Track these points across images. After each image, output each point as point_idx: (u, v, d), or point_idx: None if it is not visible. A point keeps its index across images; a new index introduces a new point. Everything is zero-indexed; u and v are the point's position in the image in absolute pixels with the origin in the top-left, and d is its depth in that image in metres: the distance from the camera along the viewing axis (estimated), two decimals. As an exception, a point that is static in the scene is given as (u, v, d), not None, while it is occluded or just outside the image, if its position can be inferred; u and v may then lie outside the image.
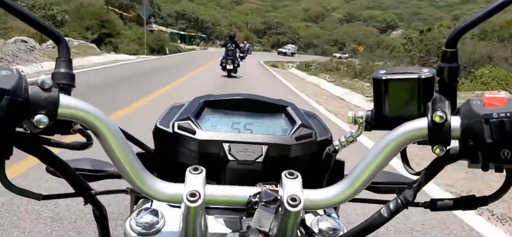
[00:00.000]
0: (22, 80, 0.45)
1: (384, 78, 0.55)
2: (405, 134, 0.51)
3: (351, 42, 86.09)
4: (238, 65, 13.74)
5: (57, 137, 0.51)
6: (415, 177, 0.55)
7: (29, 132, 0.48)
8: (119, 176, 0.65)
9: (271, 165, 0.60)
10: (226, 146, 0.61)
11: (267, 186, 0.53)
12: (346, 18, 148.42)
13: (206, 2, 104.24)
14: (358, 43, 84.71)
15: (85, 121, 0.49)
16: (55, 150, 0.52)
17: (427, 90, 0.54)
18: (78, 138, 0.53)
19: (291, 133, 0.63)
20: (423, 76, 0.54)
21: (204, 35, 63.52)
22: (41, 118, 0.45)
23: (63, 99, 0.47)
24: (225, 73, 13.47)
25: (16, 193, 0.52)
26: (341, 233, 0.59)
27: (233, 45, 13.55)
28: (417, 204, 0.57)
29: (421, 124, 0.50)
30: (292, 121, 0.65)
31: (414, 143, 0.52)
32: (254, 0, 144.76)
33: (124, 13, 37.12)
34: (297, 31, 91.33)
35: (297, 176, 0.53)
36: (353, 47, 76.77)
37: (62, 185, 0.57)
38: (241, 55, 15.95)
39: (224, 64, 13.48)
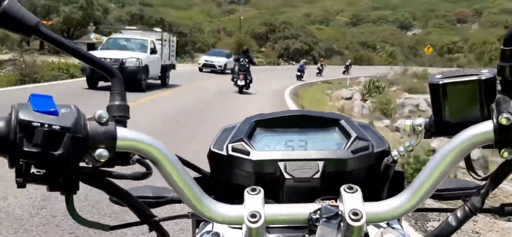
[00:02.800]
0: (81, 116, 0.48)
1: (441, 82, 0.55)
2: (470, 139, 0.50)
3: (382, 44, 66.30)
4: (251, 81, 13.74)
5: (117, 168, 0.55)
6: (481, 183, 0.55)
7: (91, 166, 0.52)
8: (179, 201, 0.66)
9: (329, 181, 0.62)
10: (281, 164, 0.63)
11: (327, 201, 0.55)
12: (352, 21, 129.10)
13: (191, 14, 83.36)
14: (390, 44, 64.72)
15: (143, 151, 0.52)
16: (117, 180, 0.56)
17: (489, 92, 0.53)
18: (138, 167, 0.58)
19: (346, 147, 0.64)
20: (483, 77, 0.53)
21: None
22: (102, 152, 0.48)
23: (120, 132, 0.51)
24: (237, 89, 13.50)
25: (86, 225, 0.55)
26: None
27: (246, 60, 13.53)
28: (487, 210, 0.57)
29: (486, 127, 0.50)
30: (346, 134, 0.66)
31: (479, 147, 0.52)
32: (249, 8, 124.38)
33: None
34: (313, 34, 69.43)
35: (357, 189, 0.54)
36: (389, 49, 56.39)
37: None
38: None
39: (235, 80, 13.52)
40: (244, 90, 13.54)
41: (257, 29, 64.42)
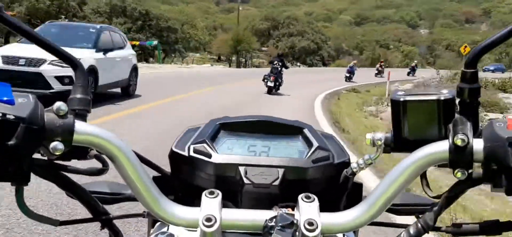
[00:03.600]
0: (38, 107, 0.48)
1: (402, 99, 0.56)
2: (426, 157, 0.52)
3: (395, 43, 59.69)
4: (280, 84, 14.54)
5: (73, 163, 0.55)
6: (436, 200, 0.57)
7: (46, 158, 0.51)
8: (136, 199, 0.67)
9: (288, 188, 0.62)
10: (242, 169, 0.63)
11: (284, 209, 0.56)
12: (356, 20, 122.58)
13: (183, 8, 74.86)
14: (404, 43, 58.18)
15: (100, 146, 0.52)
16: (73, 175, 0.56)
17: (447, 112, 0.54)
18: (94, 163, 0.57)
19: (308, 156, 0.65)
20: (442, 97, 0.54)
21: (154, 42, 31.41)
22: (57, 145, 0.48)
23: (78, 125, 0.50)
24: (266, 90, 14.25)
25: (34, 219, 0.55)
26: None
27: (280, 63, 14.40)
28: (438, 229, 0.58)
29: (442, 147, 0.51)
30: (309, 143, 0.67)
31: (435, 166, 0.53)
32: (249, 7, 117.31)
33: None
34: (321, 31, 61.06)
35: (314, 199, 0.55)
36: (405, 49, 49.83)
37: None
38: None
39: (266, 81, 14.18)
40: (273, 91, 14.12)
41: (258, 24, 57.11)
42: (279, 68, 14.31)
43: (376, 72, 31.17)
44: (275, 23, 55.58)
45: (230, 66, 41.55)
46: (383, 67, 31.81)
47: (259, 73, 15.55)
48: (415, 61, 35.82)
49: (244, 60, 43.31)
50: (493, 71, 39.05)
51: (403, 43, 62.31)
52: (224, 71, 23.44)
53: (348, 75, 25.20)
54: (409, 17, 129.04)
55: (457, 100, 0.53)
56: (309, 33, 54.66)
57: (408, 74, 30.81)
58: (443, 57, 46.34)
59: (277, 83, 14.22)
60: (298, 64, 48.29)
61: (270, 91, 14.04)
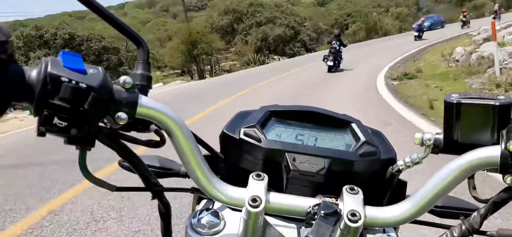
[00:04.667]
0: (107, 79, 0.51)
1: (456, 101, 0.56)
2: (476, 161, 0.52)
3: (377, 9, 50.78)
4: (340, 62, 15.54)
5: (133, 134, 0.58)
6: (482, 205, 0.57)
7: (109, 127, 0.55)
8: (184, 176, 0.71)
9: (333, 179, 0.64)
10: (289, 155, 0.66)
11: (327, 198, 0.57)
12: (319, 1, 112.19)
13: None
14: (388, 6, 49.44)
15: (160, 121, 0.55)
16: (131, 146, 0.59)
17: (502, 118, 0.54)
18: (153, 136, 0.60)
19: (354, 149, 0.67)
20: (498, 103, 0.54)
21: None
22: (121, 115, 0.51)
23: (142, 99, 0.53)
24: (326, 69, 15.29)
25: (93, 182, 0.58)
26: None
27: (338, 43, 15.24)
28: (484, 233, 0.59)
29: (493, 152, 0.51)
30: (356, 137, 0.69)
31: (483, 170, 0.53)
32: (199, 13, 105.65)
33: None
34: (295, 12, 50.66)
35: (358, 191, 0.57)
36: (394, 11, 40.44)
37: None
38: None
39: (325, 61, 15.17)
40: (332, 70, 15.07)
41: (218, 21, 46.18)
42: (337, 47, 15.23)
43: (462, 23, 28.81)
44: (237, 15, 45.21)
45: (192, 78, 29.77)
46: (467, 17, 29.34)
47: (235, 88, 12.56)
48: (497, 4, 30.81)
49: (208, 66, 31.72)
50: (430, 28, 32.83)
51: (389, 7, 52.89)
52: (168, 93, 15.74)
53: (416, 34, 25.06)
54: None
55: None
56: (280, 18, 44.58)
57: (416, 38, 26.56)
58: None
59: (336, 62, 15.27)
60: (275, 56, 37.11)
61: (330, 70, 15.10)
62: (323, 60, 15.23)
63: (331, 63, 14.98)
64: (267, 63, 27.81)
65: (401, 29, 43.84)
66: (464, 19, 29.37)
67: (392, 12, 50.01)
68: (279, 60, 36.49)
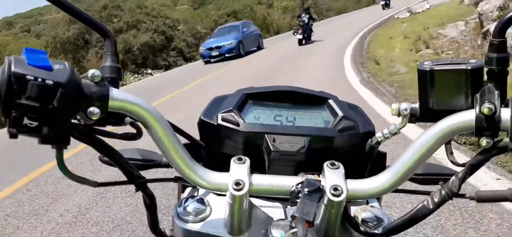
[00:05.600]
0: (74, 74, 0.49)
1: (429, 69, 0.57)
2: (452, 126, 0.53)
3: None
4: (309, 35, 16.29)
5: (108, 129, 0.57)
6: (459, 169, 0.59)
7: (83, 123, 0.53)
8: (167, 166, 0.71)
9: (314, 156, 0.65)
10: (269, 137, 0.66)
11: (310, 176, 0.58)
12: (194, 6, 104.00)
13: None
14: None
15: (134, 113, 0.54)
16: (108, 141, 0.57)
17: (475, 81, 0.55)
18: (129, 129, 0.59)
19: (333, 125, 0.68)
20: (470, 67, 0.55)
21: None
22: (94, 110, 0.50)
23: (113, 92, 0.52)
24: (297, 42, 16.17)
25: (74, 180, 0.56)
26: (384, 224, 0.62)
27: (307, 16, 16.05)
28: (462, 196, 0.61)
29: (468, 116, 0.52)
30: (334, 113, 0.70)
31: (459, 134, 0.55)
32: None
33: None
34: (165, 13, 39.85)
35: (339, 166, 0.58)
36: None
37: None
38: None
39: (295, 34, 16.00)
40: (303, 43, 15.79)
41: (63, 34, 33.86)
42: (306, 21, 15.96)
43: (383, 3, 27.90)
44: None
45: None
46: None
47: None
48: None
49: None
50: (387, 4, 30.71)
51: (273, 1, 46.82)
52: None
53: (383, 2, 26.27)
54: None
55: (485, 69, 0.54)
56: (146, 22, 34.13)
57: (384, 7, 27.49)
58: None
59: (306, 34, 15.98)
60: (147, 71, 26.99)
61: (300, 43, 15.84)
62: (293, 33, 16.20)
63: (300, 36, 15.76)
64: (129, 82, 21.60)
65: (291, 26, 37.66)
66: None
67: (277, 6, 43.79)
68: (152, 75, 26.39)
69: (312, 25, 16.59)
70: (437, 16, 15.21)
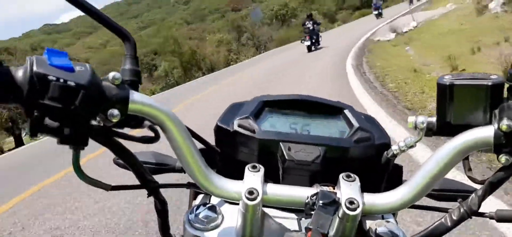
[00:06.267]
0: (96, 76, 0.49)
1: (449, 83, 0.56)
2: (470, 142, 0.52)
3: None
4: (317, 40, 16.56)
5: (126, 131, 0.57)
6: (478, 186, 0.57)
7: (102, 125, 0.53)
8: (180, 171, 0.70)
9: (329, 167, 0.65)
10: (284, 145, 0.65)
11: (325, 187, 0.57)
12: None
13: None
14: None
15: (153, 116, 0.54)
16: (125, 143, 0.57)
17: (495, 97, 0.54)
18: (147, 132, 0.59)
19: (349, 135, 0.68)
20: (491, 83, 0.54)
21: None
22: (113, 112, 0.50)
23: (133, 95, 0.52)
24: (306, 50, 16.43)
25: (88, 182, 0.56)
26: None
27: (311, 22, 16.13)
28: (482, 214, 0.60)
29: (487, 132, 0.52)
30: (349, 124, 0.70)
31: (478, 151, 0.54)
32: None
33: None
34: None
35: (355, 179, 0.57)
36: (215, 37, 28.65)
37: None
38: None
39: (303, 42, 16.46)
40: (312, 48, 16.12)
41: None
42: (311, 27, 16.10)
43: (376, 13, 27.53)
44: None
45: None
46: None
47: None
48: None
49: None
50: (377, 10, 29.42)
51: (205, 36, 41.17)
52: None
53: (376, 12, 26.36)
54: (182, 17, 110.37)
55: (506, 86, 0.54)
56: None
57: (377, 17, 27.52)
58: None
59: (313, 40, 16.21)
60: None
61: (309, 49, 16.10)
62: (301, 42, 16.89)
63: (308, 43, 16.09)
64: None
65: (228, 61, 31.59)
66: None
67: (211, 40, 37.81)
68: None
69: (319, 30, 16.96)
70: (449, 34, 11.97)
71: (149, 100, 0.53)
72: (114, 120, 0.50)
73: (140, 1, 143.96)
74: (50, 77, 0.45)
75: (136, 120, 0.56)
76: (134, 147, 0.58)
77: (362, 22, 29.54)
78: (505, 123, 0.49)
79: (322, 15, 43.70)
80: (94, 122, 0.52)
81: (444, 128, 0.57)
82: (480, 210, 0.56)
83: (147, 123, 0.57)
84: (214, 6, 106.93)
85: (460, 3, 18.91)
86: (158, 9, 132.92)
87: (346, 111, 0.71)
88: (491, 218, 0.59)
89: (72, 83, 0.46)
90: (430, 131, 0.59)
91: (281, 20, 46.62)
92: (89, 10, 0.55)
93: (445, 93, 0.56)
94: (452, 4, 20.03)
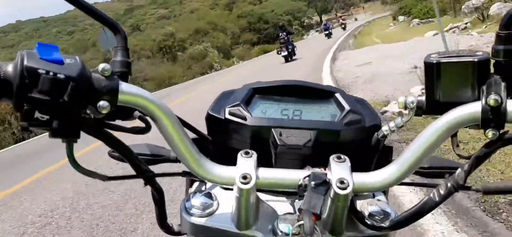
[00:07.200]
0: (85, 68, 0.50)
1: (435, 61, 0.57)
2: (458, 118, 0.53)
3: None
4: (293, 50, 16.91)
5: (118, 123, 0.57)
6: (465, 161, 0.59)
7: (93, 117, 0.53)
8: (175, 161, 0.72)
9: (320, 150, 0.66)
10: (275, 131, 0.67)
11: (316, 169, 0.59)
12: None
13: None
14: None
15: (143, 107, 0.55)
16: (118, 136, 0.58)
17: (481, 74, 0.55)
18: (138, 123, 0.59)
19: (340, 118, 0.69)
20: (477, 59, 0.55)
21: None
22: (103, 104, 0.51)
23: (123, 86, 0.53)
24: (283, 60, 16.74)
25: (84, 173, 0.57)
26: (391, 217, 0.62)
27: (284, 33, 16.61)
28: (468, 188, 0.61)
29: (474, 108, 0.53)
30: (341, 107, 0.71)
31: (465, 127, 0.55)
32: None
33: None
34: None
35: (345, 159, 0.58)
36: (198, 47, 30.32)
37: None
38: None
39: (279, 52, 16.71)
40: (289, 59, 16.50)
41: None
42: (286, 38, 16.52)
43: (326, 33, 29.77)
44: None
45: None
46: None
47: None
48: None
49: None
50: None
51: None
52: None
53: (326, 32, 27.87)
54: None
55: (492, 62, 0.54)
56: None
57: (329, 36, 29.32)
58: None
59: (290, 50, 16.58)
60: None
61: (286, 59, 16.55)
62: (277, 53, 16.87)
63: (285, 53, 16.44)
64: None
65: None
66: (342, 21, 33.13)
67: (199, 45, 36.81)
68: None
69: (292, 40, 17.41)
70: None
71: (138, 91, 0.54)
72: (104, 112, 0.51)
73: (21, 30, 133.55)
74: (40, 70, 0.46)
75: (127, 112, 0.57)
76: (128, 140, 0.58)
77: (264, 60, 23.41)
78: (492, 98, 0.50)
79: (216, 49, 37.69)
80: (85, 115, 0.52)
81: (433, 106, 0.59)
82: (467, 184, 0.57)
83: (137, 113, 0.58)
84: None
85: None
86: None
87: (337, 95, 0.72)
88: (478, 191, 0.60)
89: (62, 76, 0.47)
90: (420, 110, 0.60)
91: (165, 52, 38.15)
92: (81, 5, 0.56)
93: (433, 71, 0.57)
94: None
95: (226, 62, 34.71)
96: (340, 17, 39.33)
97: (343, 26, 35.28)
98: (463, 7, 18.60)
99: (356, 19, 40.22)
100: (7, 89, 0.46)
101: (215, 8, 74.49)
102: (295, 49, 17.20)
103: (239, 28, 53.96)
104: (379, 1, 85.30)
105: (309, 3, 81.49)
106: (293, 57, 16.78)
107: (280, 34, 16.77)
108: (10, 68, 0.47)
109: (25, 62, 0.46)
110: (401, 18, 32.50)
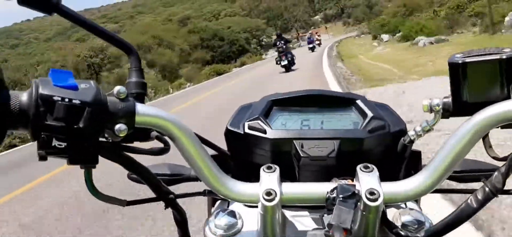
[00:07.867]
0: (100, 92, 0.50)
1: (461, 61, 0.55)
2: (489, 118, 0.51)
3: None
4: (292, 59, 16.41)
5: (136, 145, 0.57)
6: (500, 163, 0.56)
7: (110, 141, 0.53)
8: (196, 179, 0.69)
9: (345, 160, 0.64)
10: (297, 143, 0.65)
11: (343, 181, 0.57)
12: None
13: None
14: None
15: (161, 127, 0.54)
16: (135, 157, 0.57)
17: (510, 71, 0.53)
18: (157, 144, 0.58)
19: (363, 126, 0.67)
20: (504, 56, 0.53)
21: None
22: (121, 127, 0.50)
23: (139, 107, 0.52)
24: (284, 70, 16.27)
25: (102, 200, 0.56)
26: (426, 227, 0.59)
27: (282, 42, 16.27)
28: (508, 192, 0.58)
29: (506, 106, 0.50)
30: (363, 114, 0.68)
31: (497, 127, 0.52)
32: None
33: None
34: None
35: (373, 169, 0.56)
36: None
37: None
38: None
39: (279, 62, 16.20)
40: (290, 68, 16.10)
41: None
42: (284, 46, 16.22)
43: (311, 46, 29.91)
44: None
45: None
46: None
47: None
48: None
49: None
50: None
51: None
52: None
53: (311, 45, 28.21)
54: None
55: None
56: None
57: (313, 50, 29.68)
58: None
59: (289, 58, 16.07)
60: None
61: (287, 69, 16.04)
62: (277, 63, 16.43)
63: (285, 62, 15.96)
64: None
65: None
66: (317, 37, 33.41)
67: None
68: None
69: (290, 48, 17.78)
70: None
71: (155, 111, 0.53)
72: (122, 135, 0.50)
73: None
74: (55, 97, 0.46)
75: (145, 133, 0.56)
76: (147, 162, 0.57)
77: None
78: None
79: (161, 68, 35.10)
80: (102, 139, 0.52)
81: (460, 108, 0.56)
82: (506, 188, 0.54)
83: (155, 134, 0.57)
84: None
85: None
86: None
87: (359, 102, 0.69)
88: None
89: (77, 101, 0.46)
90: (447, 112, 0.58)
91: (94, 71, 35.14)
92: (93, 28, 0.56)
93: (458, 72, 0.55)
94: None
95: (165, 86, 26.62)
96: (304, 34, 37.37)
97: (318, 42, 33.23)
98: (507, 19, 16.34)
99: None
100: (24, 119, 0.46)
101: (167, 24, 68.71)
102: (294, 58, 16.80)
103: (189, 44, 48.90)
104: (341, 22, 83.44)
105: (268, 22, 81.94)
106: (292, 66, 16.38)
107: (277, 43, 16.46)
108: (25, 97, 0.46)
109: (40, 90, 0.46)
110: (385, 36, 30.54)
